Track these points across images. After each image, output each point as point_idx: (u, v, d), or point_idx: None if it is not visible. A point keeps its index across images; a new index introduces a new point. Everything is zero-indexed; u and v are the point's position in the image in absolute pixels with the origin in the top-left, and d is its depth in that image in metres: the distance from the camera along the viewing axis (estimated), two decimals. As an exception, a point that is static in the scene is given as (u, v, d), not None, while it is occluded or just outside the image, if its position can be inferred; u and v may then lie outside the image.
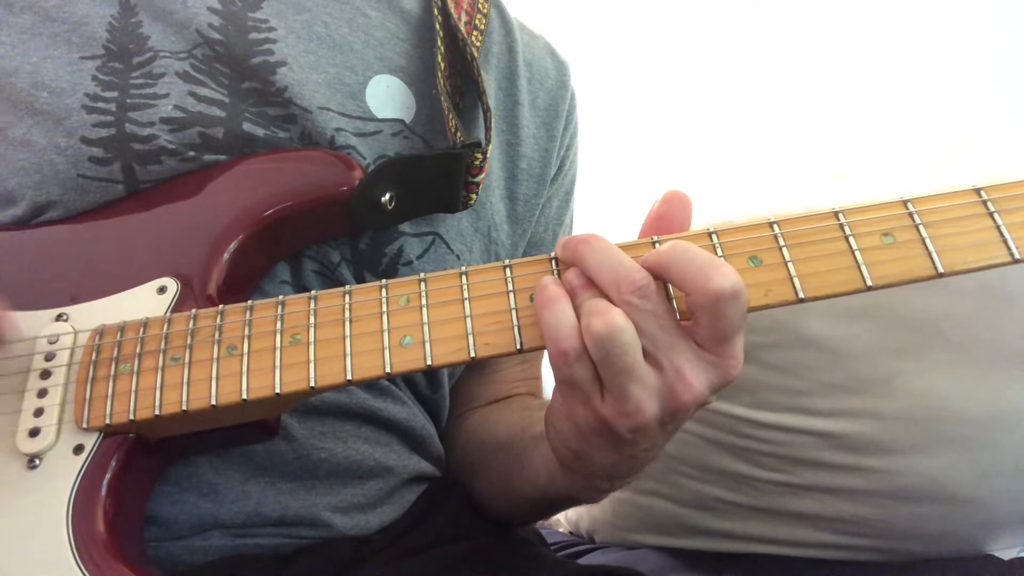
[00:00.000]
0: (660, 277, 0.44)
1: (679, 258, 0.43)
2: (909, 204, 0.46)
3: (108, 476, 0.47)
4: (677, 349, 0.43)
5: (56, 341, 0.50)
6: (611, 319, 0.41)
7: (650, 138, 1.59)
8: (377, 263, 0.60)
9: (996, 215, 0.45)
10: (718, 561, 0.80)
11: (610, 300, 0.43)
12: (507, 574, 0.60)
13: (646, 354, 0.43)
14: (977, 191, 0.46)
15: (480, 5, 0.70)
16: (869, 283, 0.44)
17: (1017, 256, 0.44)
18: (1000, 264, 0.45)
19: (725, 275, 0.41)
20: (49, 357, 0.50)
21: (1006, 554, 0.78)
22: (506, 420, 0.66)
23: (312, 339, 0.47)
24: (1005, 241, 0.45)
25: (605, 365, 0.42)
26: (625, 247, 0.46)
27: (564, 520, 0.99)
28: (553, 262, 0.47)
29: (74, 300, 0.52)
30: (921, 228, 0.45)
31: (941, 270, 0.44)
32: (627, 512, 0.88)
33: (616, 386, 0.43)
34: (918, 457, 0.72)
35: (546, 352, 0.45)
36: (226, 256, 0.53)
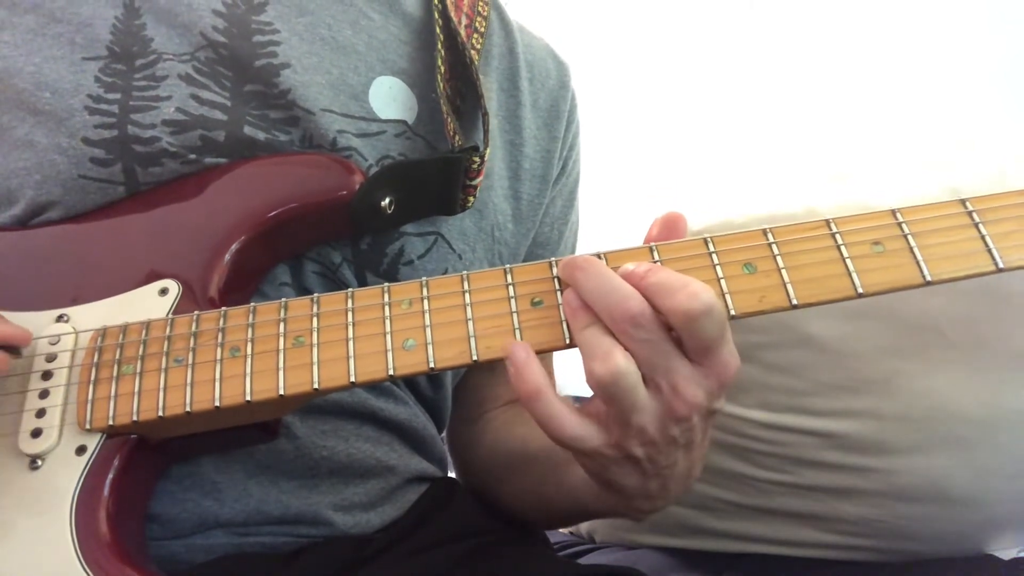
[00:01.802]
0: None
1: (650, 283, 0.44)
2: (898, 214, 0.47)
3: (111, 477, 0.47)
4: (673, 369, 0.43)
5: (57, 342, 0.50)
6: (613, 365, 0.42)
7: (650, 139, 1.60)
8: (378, 263, 0.60)
9: (981, 226, 0.46)
10: (718, 561, 0.80)
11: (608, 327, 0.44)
12: (508, 574, 0.61)
13: (645, 379, 0.44)
14: (963, 202, 0.47)
15: (480, 8, 0.71)
16: (860, 290, 0.46)
17: (1001, 265, 0.46)
18: (985, 273, 0.46)
19: (692, 295, 0.42)
20: (50, 358, 0.50)
21: (1006, 554, 0.78)
22: (536, 431, 0.67)
23: (315, 341, 0.47)
24: (990, 251, 0.46)
25: (610, 403, 0.44)
26: (624, 253, 0.47)
27: (564, 520, 0.99)
28: (553, 267, 0.48)
29: (75, 301, 0.52)
30: (909, 238, 0.46)
31: (928, 278, 0.46)
32: (627, 512, 0.87)
33: (620, 417, 0.44)
34: (918, 457, 0.72)
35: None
36: (227, 258, 0.53)
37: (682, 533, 0.84)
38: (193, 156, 0.55)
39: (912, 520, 0.74)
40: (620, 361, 0.42)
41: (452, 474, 0.75)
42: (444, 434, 0.74)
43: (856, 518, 0.75)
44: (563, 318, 0.46)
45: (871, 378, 0.72)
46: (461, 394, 0.73)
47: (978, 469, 0.72)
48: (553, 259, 0.48)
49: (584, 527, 0.95)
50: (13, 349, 0.50)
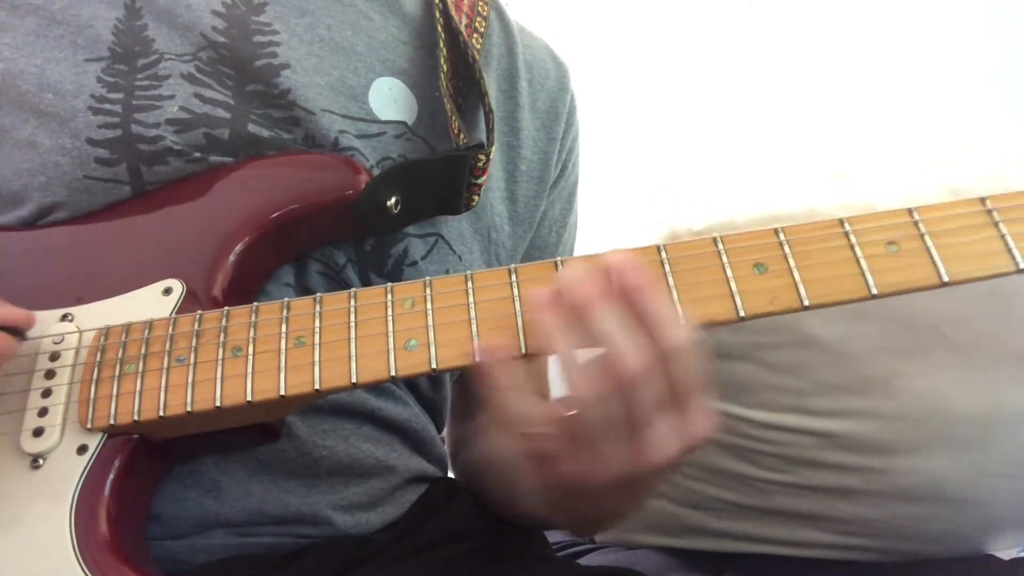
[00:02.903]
0: None
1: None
2: (914, 213, 0.46)
3: (112, 476, 0.47)
4: (653, 422, 0.42)
5: (61, 341, 0.50)
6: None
7: (650, 140, 1.60)
8: (382, 264, 0.60)
9: (1001, 224, 0.45)
10: (718, 561, 0.80)
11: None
12: (508, 574, 0.61)
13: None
14: (982, 200, 0.46)
15: (480, 8, 0.70)
16: (874, 291, 0.44)
17: (1022, 266, 0.44)
18: (1005, 273, 0.44)
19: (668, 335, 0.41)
20: (54, 357, 0.50)
21: (1006, 554, 0.78)
22: (493, 439, 0.66)
23: (317, 341, 0.47)
24: (1010, 251, 0.44)
25: (582, 425, 0.42)
26: (631, 253, 0.46)
27: (565, 520, 0.99)
28: (558, 266, 0.47)
29: (79, 301, 0.52)
30: (926, 237, 0.45)
31: (946, 279, 0.44)
32: (627, 512, 0.88)
33: (586, 437, 0.43)
34: (918, 457, 0.72)
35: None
36: (231, 258, 0.53)
37: (682, 533, 0.84)
38: (198, 154, 0.55)
39: (912, 520, 0.74)
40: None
41: (452, 474, 0.75)
42: (444, 433, 0.74)
43: (856, 518, 0.75)
44: None
45: (871, 378, 0.72)
46: (458, 391, 0.73)
47: (978, 469, 0.72)
48: (558, 259, 0.47)
49: (584, 527, 0.95)
50: (19, 334, 0.50)
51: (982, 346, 0.70)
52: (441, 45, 0.64)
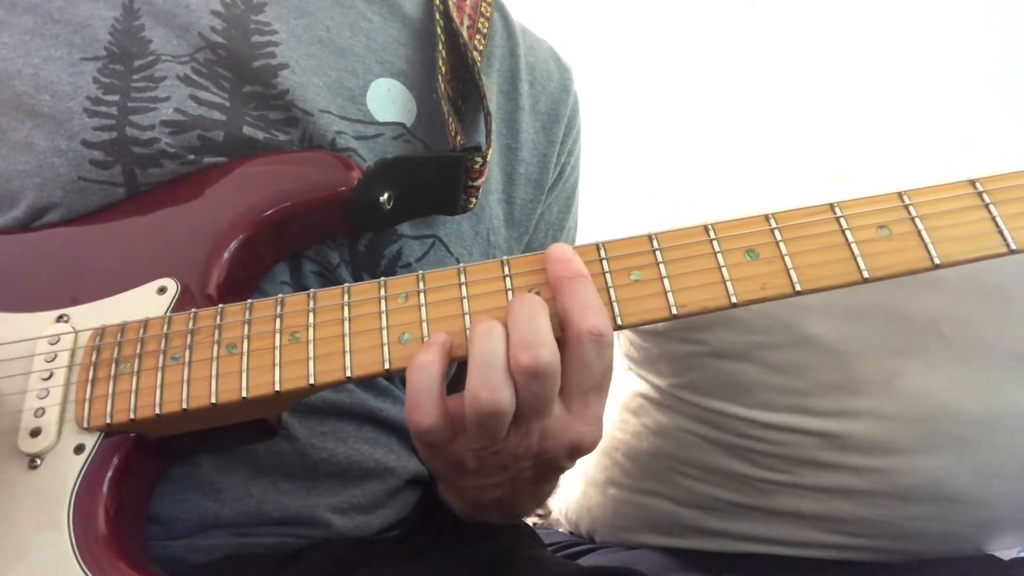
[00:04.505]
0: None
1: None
2: (905, 197, 0.46)
3: (109, 475, 0.47)
4: (544, 418, 0.45)
5: (57, 342, 0.50)
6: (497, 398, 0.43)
7: (650, 141, 1.60)
8: (376, 265, 0.60)
9: (992, 206, 0.45)
10: (718, 561, 0.80)
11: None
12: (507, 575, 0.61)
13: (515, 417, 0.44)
14: (972, 183, 0.46)
15: (483, 8, 0.70)
16: (865, 275, 0.45)
17: (1013, 247, 0.45)
18: (996, 255, 0.45)
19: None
20: (50, 358, 0.50)
21: (1006, 554, 0.78)
22: None
23: (311, 337, 0.47)
24: (1001, 232, 0.45)
25: (481, 431, 0.45)
26: (622, 243, 0.47)
27: (564, 520, 0.99)
28: None
29: (75, 301, 0.52)
30: (917, 220, 0.45)
31: (937, 261, 0.45)
32: (627, 512, 0.88)
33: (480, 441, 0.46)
34: (918, 457, 0.72)
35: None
36: (226, 256, 0.53)
37: (682, 533, 0.84)
38: (192, 157, 0.55)
39: (912, 520, 0.74)
40: (504, 400, 0.43)
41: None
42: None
43: (856, 518, 0.75)
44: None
45: (871, 378, 0.72)
46: (454, 387, 0.73)
47: (978, 469, 0.72)
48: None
49: (584, 527, 0.95)
50: None
51: (982, 346, 0.70)
52: (440, 47, 0.64)
